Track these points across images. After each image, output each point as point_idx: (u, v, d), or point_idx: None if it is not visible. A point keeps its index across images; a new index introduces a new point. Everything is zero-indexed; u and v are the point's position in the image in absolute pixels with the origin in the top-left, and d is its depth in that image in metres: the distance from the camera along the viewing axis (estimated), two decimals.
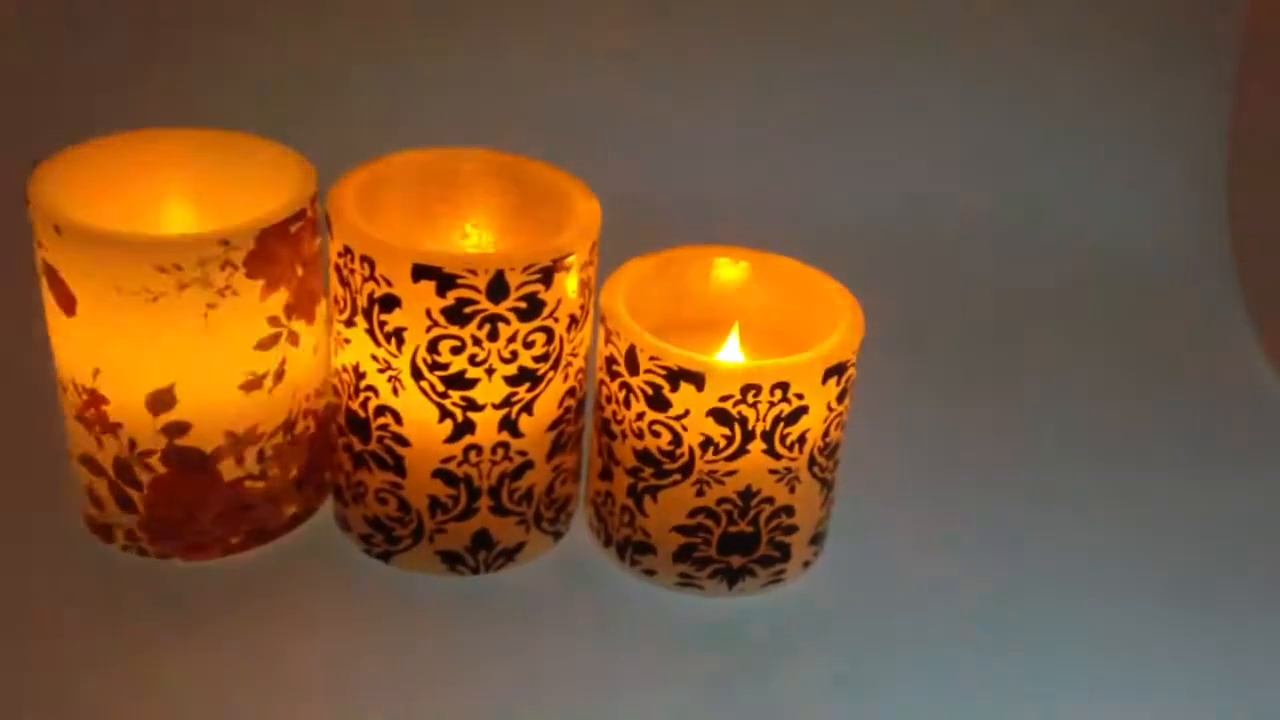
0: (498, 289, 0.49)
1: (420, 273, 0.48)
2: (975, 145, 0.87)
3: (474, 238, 0.57)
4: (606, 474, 0.55)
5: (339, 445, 0.55)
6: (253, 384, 0.51)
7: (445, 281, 0.48)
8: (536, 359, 0.51)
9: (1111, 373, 0.74)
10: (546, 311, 0.50)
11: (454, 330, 0.49)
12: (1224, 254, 0.85)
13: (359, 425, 0.53)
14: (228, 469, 0.52)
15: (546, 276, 0.49)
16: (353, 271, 0.50)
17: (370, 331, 0.50)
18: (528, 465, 0.53)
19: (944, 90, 0.87)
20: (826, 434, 0.53)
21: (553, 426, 0.53)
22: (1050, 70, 0.86)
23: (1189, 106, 0.87)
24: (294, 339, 0.52)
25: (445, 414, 0.51)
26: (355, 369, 0.52)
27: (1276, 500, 0.64)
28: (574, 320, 0.52)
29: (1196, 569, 0.59)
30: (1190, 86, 0.87)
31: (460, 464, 0.52)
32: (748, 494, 0.52)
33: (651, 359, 0.51)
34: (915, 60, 0.86)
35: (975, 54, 0.86)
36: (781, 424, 0.51)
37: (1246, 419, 0.70)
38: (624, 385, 0.52)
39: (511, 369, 0.50)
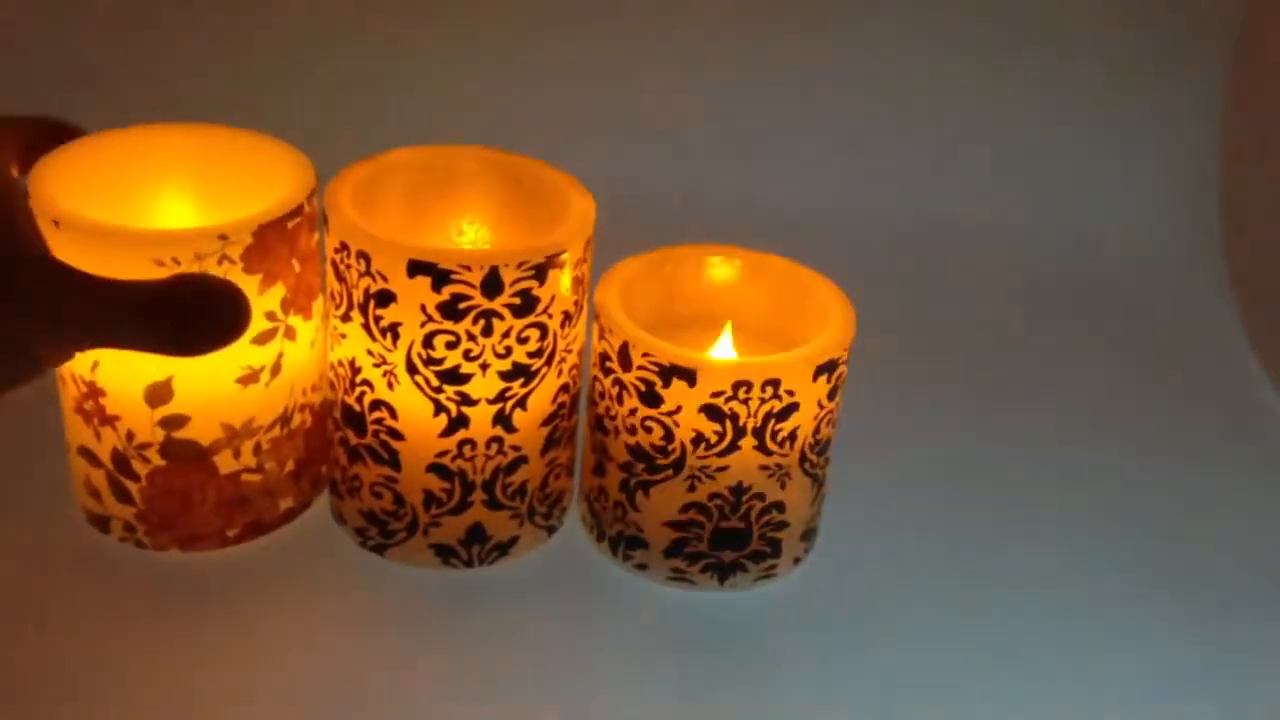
0: (492, 285, 0.49)
1: (416, 268, 0.49)
2: (970, 144, 0.87)
3: (469, 234, 0.58)
4: (599, 469, 0.55)
5: (335, 439, 0.55)
6: (250, 378, 0.51)
7: (440, 277, 0.49)
8: (530, 355, 0.51)
9: (1106, 373, 0.74)
10: (541, 308, 0.51)
11: (449, 325, 0.50)
12: (1217, 256, 0.85)
13: (354, 419, 0.53)
14: (224, 462, 0.52)
15: (541, 273, 0.50)
16: (349, 267, 0.50)
17: (366, 326, 0.51)
18: (521, 460, 0.54)
19: (940, 89, 0.87)
20: (817, 431, 0.53)
21: (546, 422, 0.54)
22: (1047, 69, 0.87)
23: (1185, 106, 0.88)
24: (291, 334, 0.52)
25: (440, 408, 0.51)
26: (351, 364, 0.52)
27: (1267, 500, 0.65)
28: (568, 316, 0.52)
29: (1196, 568, 0.60)
30: (1187, 86, 0.87)
31: (454, 458, 0.52)
32: (739, 490, 0.53)
33: (644, 355, 0.51)
34: (911, 59, 0.87)
35: (972, 52, 0.86)
36: (772, 420, 0.51)
37: (1240, 421, 0.71)
38: (617, 381, 0.53)
39: (506, 364, 0.51)
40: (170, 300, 0.45)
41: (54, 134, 0.51)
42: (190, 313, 0.46)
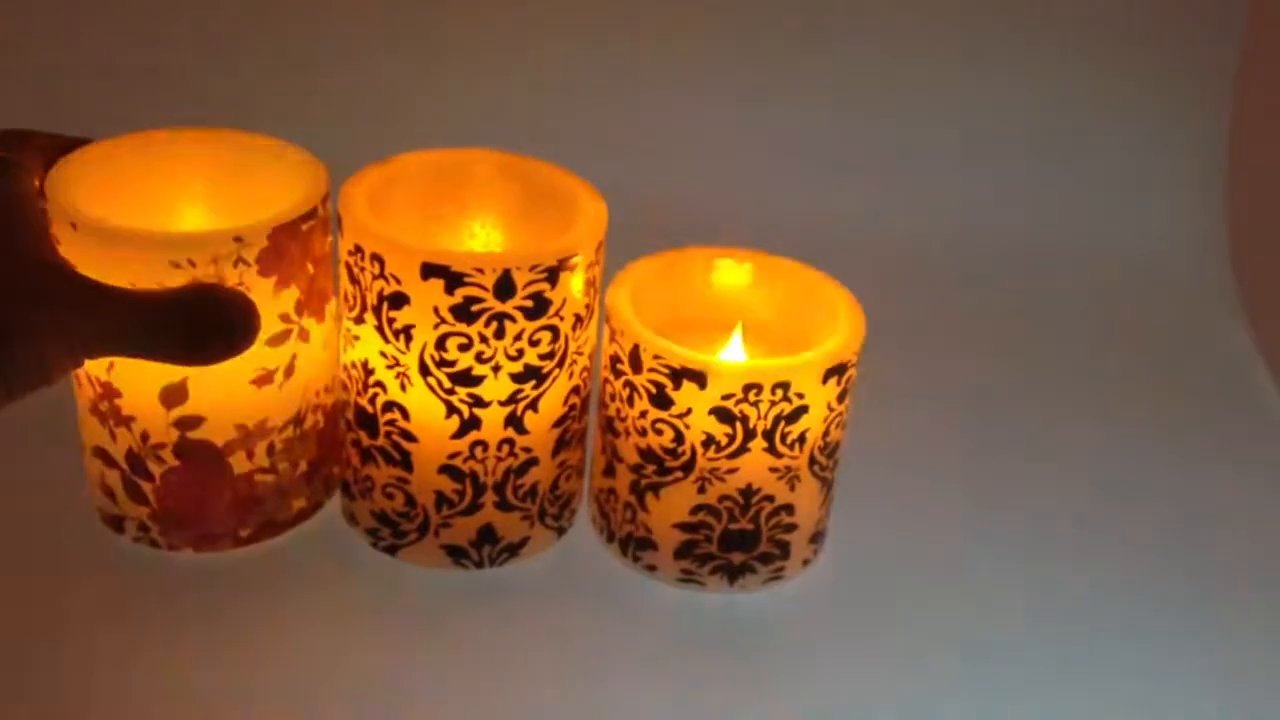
0: (505, 288, 0.49)
1: (429, 271, 0.49)
2: (975, 147, 0.87)
3: (482, 237, 0.58)
4: (610, 471, 0.56)
5: (347, 440, 0.56)
6: (264, 379, 0.51)
7: (453, 280, 0.49)
8: (542, 357, 0.52)
9: (1111, 374, 0.74)
10: (552, 310, 0.51)
11: (461, 328, 0.50)
12: (1222, 255, 0.85)
13: (367, 421, 0.54)
14: (238, 462, 0.53)
15: (553, 276, 0.50)
16: (363, 269, 0.51)
17: (379, 328, 0.51)
18: (532, 461, 0.54)
19: (943, 91, 0.87)
20: (827, 433, 0.53)
21: (557, 423, 0.54)
22: (1049, 71, 0.87)
23: (1193, 113, 0.88)
24: (305, 335, 0.52)
25: (452, 410, 0.52)
26: (364, 365, 0.53)
27: (1268, 499, 0.65)
28: (579, 319, 0.52)
29: (1196, 567, 0.60)
30: (1194, 94, 0.87)
31: (466, 460, 0.53)
32: (749, 492, 0.53)
33: (655, 358, 0.52)
34: (916, 61, 0.87)
35: (975, 54, 0.87)
36: (782, 423, 0.52)
37: (1248, 429, 0.71)
38: (628, 383, 0.53)
39: (517, 366, 0.51)
40: (180, 310, 0.46)
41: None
42: (200, 322, 0.46)
